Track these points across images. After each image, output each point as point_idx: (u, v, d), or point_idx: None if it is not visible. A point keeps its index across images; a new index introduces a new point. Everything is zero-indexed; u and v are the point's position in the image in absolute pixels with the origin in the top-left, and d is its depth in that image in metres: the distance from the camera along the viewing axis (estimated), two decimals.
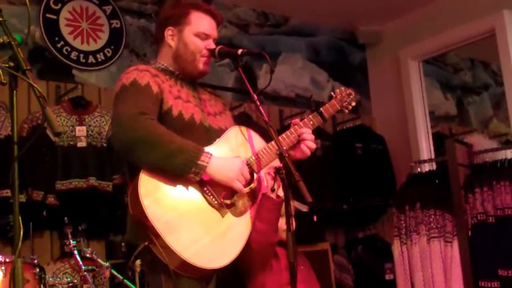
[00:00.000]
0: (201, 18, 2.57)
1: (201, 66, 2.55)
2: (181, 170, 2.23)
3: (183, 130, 2.37)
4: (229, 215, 2.35)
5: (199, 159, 2.24)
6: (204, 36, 2.55)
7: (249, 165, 2.42)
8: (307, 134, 2.56)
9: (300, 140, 2.55)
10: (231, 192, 2.37)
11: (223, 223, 2.33)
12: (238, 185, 2.32)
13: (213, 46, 2.56)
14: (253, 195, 2.44)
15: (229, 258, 2.28)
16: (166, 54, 2.59)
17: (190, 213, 2.28)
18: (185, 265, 2.18)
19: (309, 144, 2.55)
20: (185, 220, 2.25)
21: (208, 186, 2.32)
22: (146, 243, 2.20)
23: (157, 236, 2.16)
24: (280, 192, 2.43)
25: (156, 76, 2.45)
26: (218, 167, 2.29)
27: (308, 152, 2.56)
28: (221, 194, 2.35)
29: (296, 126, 2.58)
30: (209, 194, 2.32)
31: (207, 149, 2.32)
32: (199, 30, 2.55)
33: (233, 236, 2.33)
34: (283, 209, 2.45)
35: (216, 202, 2.33)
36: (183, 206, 2.27)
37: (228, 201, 2.36)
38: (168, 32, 2.58)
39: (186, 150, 2.24)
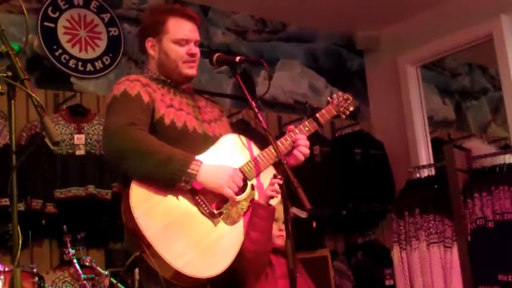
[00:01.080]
0: (178, 24, 2.55)
1: (184, 71, 2.54)
2: (172, 179, 2.23)
3: (176, 138, 2.37)
4: (222, 224, 2.34)
5: (189, 167, 2.24)
6: (184, 42, 2.53)
7: (242, 172, 2.42)
8: (302, 140, 2.57)
9: (294, 147, 2.55)
10: (224, 200, 2.36)
11: (215, 232, 2.32)
12: (228, 192, 2.31)
13: (194, 50, 2.55)
14: (248, 203, 2.44)
15: (221, 267, 2.27)
16: (152, 64, 2.59)
17: (182, 223, 2.27)
18: (178, 275, 2.18)
19: (303, 150, 2.55)
20: (177, 229, 2.24)
21: (201, 195, 2.32)
22: (137, 253, 2.20)
23: (148, 246, 2.16)
24: (273, 201, 2.43)
25: (147, 85, 2.45)
26: (208, 175, 2.28)
27: (301, 158, 2.56)
28: (214, 203, 2.34)
29: (291, 133, 2.59)
30: (201, 202, 2.32)
31: (199, 157, 2.32)
32: (178, 37, 2.52)
33: (226, 244, 2.32)
34: (276, 214, 2.46)
35: (208, 211, 2.32)
36: (174, 215, 2.27)
37: (220, 210, 2.35)
38: (149, 44, 2.57)
39: (175, 159, 2.23)
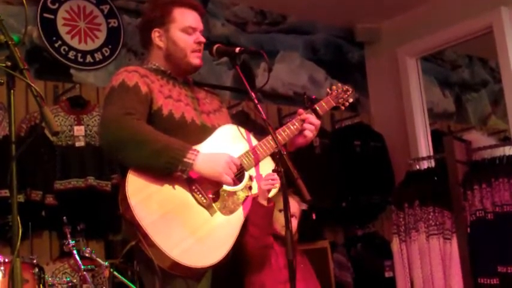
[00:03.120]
0: (184, 13, 2.57)
1: (193, 61, 2.56)
2: (168, 168, 2.23)
3: (174, 129, 2.37)
4: (218, 214, 2.34)
5: (185, 156, 2.24)
6: (191, 31, 2.55)
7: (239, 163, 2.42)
8: (311, 118, 2.60)
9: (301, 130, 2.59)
10: (220, 190, 2.37)
11: (212, 222, 2.32)
12: (226, 178, 2.32)
13: (202, 39, 2.57)
14: (245, 193, 2.44)
15: (217, 256, 2.27)
16: (158, 55, 2.59)
17: (178, 212, 2.27)
18: (175, 265, 2.18)
19: (308, 126, 2.57)
20: (173, 219, 2.25)
21: (197, 184, 2.32)
22: (133, 242, 2.21)
23: (145, 235, 2.17)
24: (271, 192, 2.44)
25: (146, 76, 2.45)
26: (205, 163, 2.28)
27: (309, 135, 2.60)
28: (210, 192, 2.35)
29: (298, 117, 2.61)
30: (198, 192, 2.32)
31: (196, 146, 2.32)
32: (185, 25, 2.54)
33: (222, 234, 2.33)
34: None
35: (204, 200, 2.32)
36: (170, 204, 2.27)
37: (216, 199, 2.35)
38: (155, 34, 2.57)
39: (171, 149, 2.24)
